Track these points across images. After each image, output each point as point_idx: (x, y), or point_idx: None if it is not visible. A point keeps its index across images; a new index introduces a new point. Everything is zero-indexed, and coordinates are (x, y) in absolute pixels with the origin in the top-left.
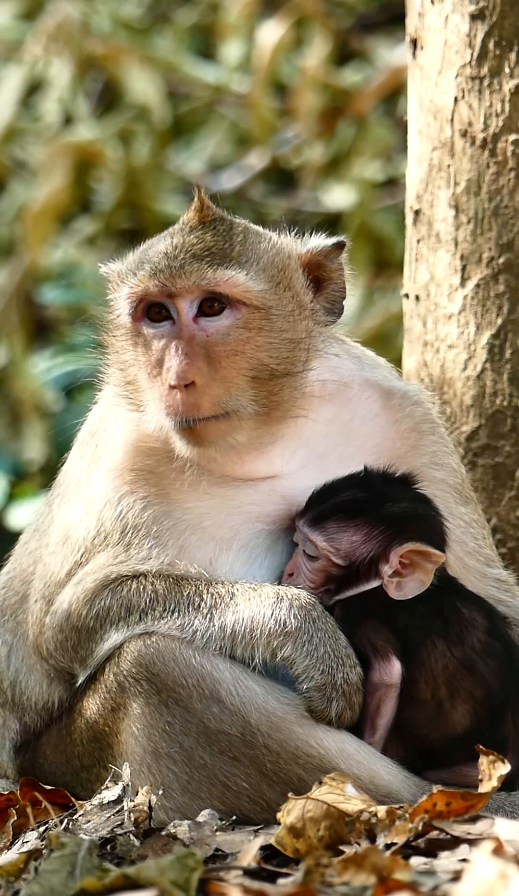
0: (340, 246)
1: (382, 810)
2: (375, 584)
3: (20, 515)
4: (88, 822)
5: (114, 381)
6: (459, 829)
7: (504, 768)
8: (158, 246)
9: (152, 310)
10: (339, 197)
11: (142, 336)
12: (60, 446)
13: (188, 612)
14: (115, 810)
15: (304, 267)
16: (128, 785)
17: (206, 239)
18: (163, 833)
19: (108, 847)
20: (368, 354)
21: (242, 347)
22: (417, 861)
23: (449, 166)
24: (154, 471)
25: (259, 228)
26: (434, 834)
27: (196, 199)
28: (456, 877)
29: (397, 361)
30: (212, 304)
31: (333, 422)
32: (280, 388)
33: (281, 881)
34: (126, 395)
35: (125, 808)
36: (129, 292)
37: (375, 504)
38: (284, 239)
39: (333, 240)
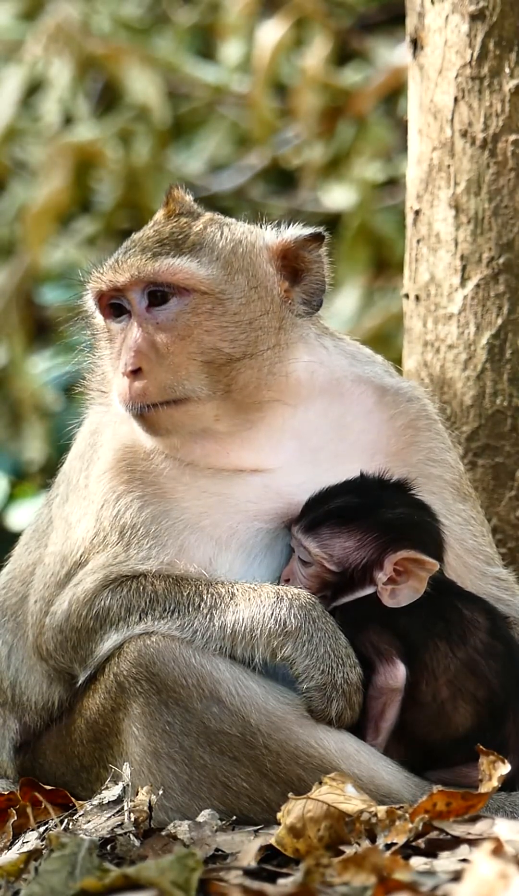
0: (317, 237)
1: (382, 810)
2: (370, 590)
3: (20, 515)
4: (88, 822)
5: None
6: (459, 830)
7: (504, 768)
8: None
9: (114, 306)
10: (339, 197)
11: (109, 332)
12: (60, 446)
13: (188, 612)
14: (115, 810)
15: (276, 256)
16: (128, 785)
17: (163, 232)
18: (163, 833)
19: (108, 847)
20: (364, 351)
21: (191, 332)
22: (417, 861)
23: (449, 166)
24: (150, 469)
25: (229, 220)
26: (434, 834)
27: (165, 194)
28: (456, 877)
29: (397, 361)
30: (157, 293)
31: (324, 415)
32: (237, 371)
33: (281, 881)
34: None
35: (125, 808)
36: (90, 292)
37: (370, 510)
38: (254, 229)
39: (309, 230)
